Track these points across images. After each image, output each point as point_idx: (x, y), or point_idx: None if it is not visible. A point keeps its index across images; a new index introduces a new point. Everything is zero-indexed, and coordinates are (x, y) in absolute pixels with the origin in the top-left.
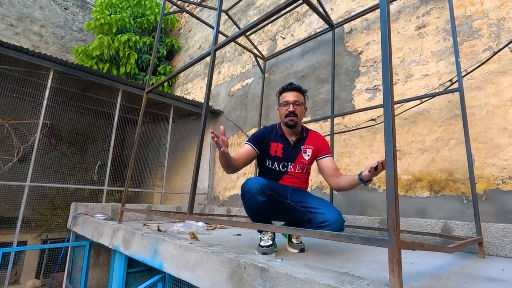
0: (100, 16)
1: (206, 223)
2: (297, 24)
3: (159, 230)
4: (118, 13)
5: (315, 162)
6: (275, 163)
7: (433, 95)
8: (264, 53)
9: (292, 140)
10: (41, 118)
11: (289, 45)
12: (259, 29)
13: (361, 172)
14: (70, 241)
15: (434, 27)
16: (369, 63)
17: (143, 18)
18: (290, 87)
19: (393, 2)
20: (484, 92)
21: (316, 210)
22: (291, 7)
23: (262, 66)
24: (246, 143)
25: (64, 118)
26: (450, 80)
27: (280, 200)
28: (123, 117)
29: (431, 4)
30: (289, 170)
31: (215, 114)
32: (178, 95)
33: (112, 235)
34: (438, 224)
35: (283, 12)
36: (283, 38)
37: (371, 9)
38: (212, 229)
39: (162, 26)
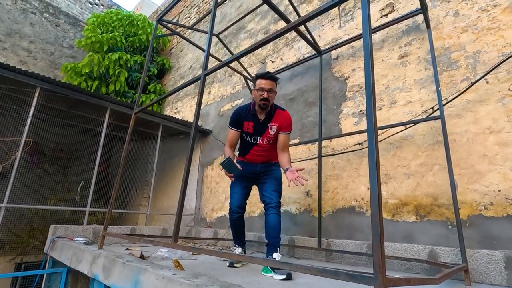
0: (92, 35)
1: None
2: (286, 49)
3: (142, 256)
4: (110, 32)
5: None
6: (248, 136)
7: (416, 122)
8: (254, 74)
9: (261, 119)
10: (24, 136)
11: (278, 68)
12: (251, 51)
13: (288, 169)
14: (47, 266)
15: (416, 56)
16: (355, 88)
17: (135, 37)
18: (266, 76)
19: (377, 32)
20: (464, 120)
21: (264, 192)
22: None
23: (252, 87)
24: (230, 128)
25: (48, 135)
26: (432, 108)
27: (252, 179)
28: (110, 134)
29: (412, 35)
30: (258, 142)
31: (204, 133)
32: (168, 113)
33: (91, 262)
34: (424, 249)
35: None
36: (273, 62)
37: (356, 37)
38: (197, 254)
39: (154, 45)
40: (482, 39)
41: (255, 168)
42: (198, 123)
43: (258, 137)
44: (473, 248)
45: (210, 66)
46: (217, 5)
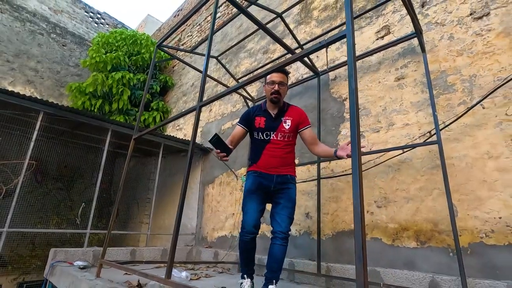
0: (96, 55)
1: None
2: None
3: (139, 285)
4: (114, 51)
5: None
6: (260, 133)
7: (413, 146)
8: (254, 94)
9: (274, 113)
10: (27, 159)
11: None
12: (250, 73)
13: (337, 150)
14: None
15: (412, 79)
16: None
17: (138, 56)
18: (277, 69)
19: (374, 54)
20: (463, 144)
21: (276, 216)
22: (283, 63)
23: (251, 106)
24: (237, 125)
25: (52, 153)
26: (429, 132)
27: (267, 194)
28: (112, 151)
29: (408, 58)
30: (271, 138)
31: (205, 151)
32: (170, 130)
33: None
34: (425, 278)
35: (273, 58)
36: None
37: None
38: (196, 279)
39: (157, 60)
40: (477, 63)
41: (270, 183)
42: (199, 141)
43: (272, 132)
44: (475, 277)
45: (209, 86)
46: (213, 33)
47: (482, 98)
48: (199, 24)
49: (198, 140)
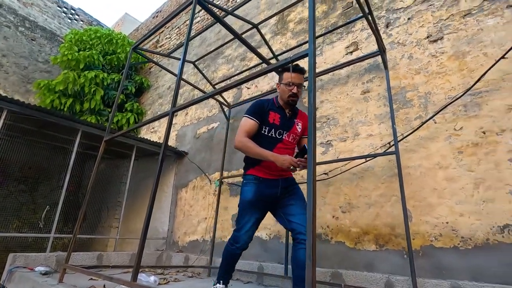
0: (68, 52)
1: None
2: (261, 77)
3: None
4: (87, 49)
5: None
6: (272, 130)
7: (374, 156)
8: (230, 100)
9: (288, 113)
10: None
11: (253, 95)
12: (227, 79)
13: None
14: None
15: (376, 93)
16: (323, 119)
17: (114, 55)
18: (296, 69)
19: (343, 68)
20: (418, 155)
21: (292, 217)
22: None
23: (227, 112)
24: (249, 118)
25: (15, 154)
26: (389, 143)
27: (270, 203)
28: (82, 153)
29: (373, 73)
30: (284, 138)
31: (180, 155)
32: (144, 132)
33: None
34: (382, 279)
35: (250, 66)
36: (248, 88)
37: (324, 72)
38: (165, 283)
39: (132, 61)
40: (432, 81)
41: (275, 190)
42: (174, 145)
43: (284, 132)
44: (425, 277)
45: (186, 90)
46: (189, 40)
47: (434, 114)
48: (178, 27)
49: (173, 143)
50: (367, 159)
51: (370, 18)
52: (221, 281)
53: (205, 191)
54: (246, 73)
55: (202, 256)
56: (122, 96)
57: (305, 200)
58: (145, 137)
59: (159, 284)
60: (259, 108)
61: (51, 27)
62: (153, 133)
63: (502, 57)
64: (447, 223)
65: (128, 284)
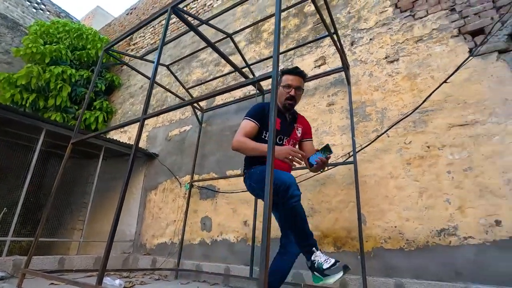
0: (33, 45)
1: (124, 279)
2: (234, 84)
3: None
4: (54, 43)
5: None
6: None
7: (335, 165)
8: (203, 104)
9: (288, 117)
10: None
11: (226, 101)
12: (202, 83)
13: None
14: None
15: (340, 106)
16: None
17: (83, 51)
18: (295, 71)
19: (311, 80)
20: (373, 165)
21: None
22: (230, 68)
23: (200, 116)
24: (249, 120)
25: None
26: (349, 153)
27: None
28: (46, 151)
29: (338, 87)
30: (284, 143)
31: (150, 157)
32: (114, 131)
33: None
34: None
35: (224, 72)
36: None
37: None
38: (130, 287)
39: (104, 61)
40: (388, 98)
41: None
42: (145, 146)
43: (285, 138)
44: (374, 276)
45: (159, 91)
46: (163, 45)
47: (387, 128)
48: (153, 26)
49: (143, 145)
50: (329, 167)
51: (335, 38)
52: (317, 249)
53: (175, 193)
54: (221, 79)
55: (169, 259)
56: (91, 94)
57: None
58: (114, 138)
59: (124, 287)
60: (260, 111)
61: (13, 15)
62: (123, 133)
63: (445, 81)
64: (395, 227)
65: (93, 287)
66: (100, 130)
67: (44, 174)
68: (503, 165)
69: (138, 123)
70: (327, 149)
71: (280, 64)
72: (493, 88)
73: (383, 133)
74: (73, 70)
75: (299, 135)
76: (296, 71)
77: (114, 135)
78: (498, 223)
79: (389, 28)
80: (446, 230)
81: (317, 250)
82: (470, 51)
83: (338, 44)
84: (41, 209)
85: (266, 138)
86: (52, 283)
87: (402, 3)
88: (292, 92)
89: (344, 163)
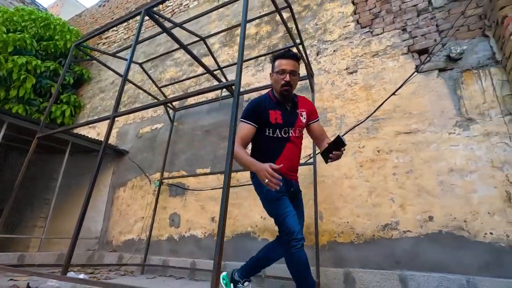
0: None
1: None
2: (207, 84)
3: None
4: (18, 31)
5: None
6: (277, 130)
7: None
8: (175, 103)
9: (288, 106)
10: None
11: (198, 101)
12: (175, 82)
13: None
14: None
15: None
16: None
17: (50, 42)
18: (288, 54)
19: None
20: (331, 167)
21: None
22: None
23: (171, 115)
24: (245, 123)
25: None
26: (309, 155)
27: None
28: (5, 144)
29: (304, 93)
30: (291, 135)
31: (120, 153)
32: (82, 127)
33: None
34: None
35: (198, 72)
36: None
37: (265, 87)
38: (97, 282)
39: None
40: (346, 106)
41: (290, 185)
42: (114, 143)
43: (290, 129)
44: (327, 267)
45: (131, 87)
46: (137, 44)
47: (344, 133)
48: (126, 21)
49: (113, 141)
50: None
51: (300, 48)
52: (246, 280)
53: (144, 190)
54: (194, 80)
55: (136, 255)
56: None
57: (302, 211)
58: (82, 133)
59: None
60: (255, 109)
61: None
62: (92, 128)
63: (393, 94)
64: (347, 222)
65: (58, 278)
66: (67, 125)
67: (2, 168)
68: (438, 169)
69: (108, 120)
70: (339, 142)
71: (251, 68)
72: (433, 101)
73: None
74: (39, 61)
75: (304, 120)
76: (288, 54)
77: (82, 130)
78: (431, 218)
79: (351, 42)
80: (389, 225)
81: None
82: (416, 67)
83: (303, 54)
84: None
85: (270, 134)
86: (11, 279)
87: (363, 20)
88: (287, 78)
89: (305, 163)
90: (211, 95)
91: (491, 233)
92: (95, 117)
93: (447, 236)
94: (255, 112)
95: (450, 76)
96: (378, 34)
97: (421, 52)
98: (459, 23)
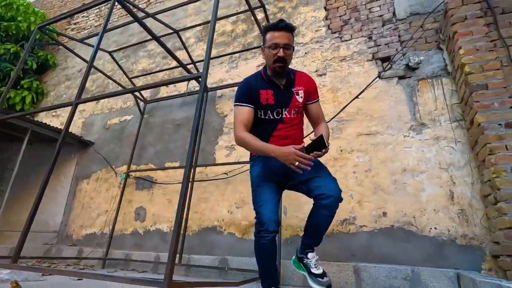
0: None
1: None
2: (167, 79)
3: None
4: None
5: None
6: (268, 111)
7: None
8: (147, 95)
9: (281, 84)
10: None
11: (171, 94)
12: (147, 74)
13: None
14: None
15: None
16: (230, 125)
17: (12, 23)
18: (280, 26)
19: None
20: None
21: (315, 183)
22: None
23: (142, 107)
24: (240, 106)
25: None
26: None
27: (281, 182)
28: None
29: None
30: (284, 116)
31: (85, 144)
32: (44, 114)
33: None
34: None
35: (171, 65)
36: (167, 86)
37: (236, 84)
38: (49, 274)
39: (37, 37)
40: None
41: (285, 166)
42: (79, 133)
43: (284, 109)
44: (289, 259)
45: (100, 76)
46: (104, 32)
47: (310, 133)
48: (98, 8)
49: (78, 131)
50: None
51: None
52: None
53: (110, 183)
54: (167, 72)
55: (98, 249)
56: (19, 72)
57: (324, 167)
58: (44, 121)
59: (43, 274)
60: (246, 90)
61: None
62: (55, 117)
63: (356, 97)
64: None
65: (7, 266)
66: (30, 112)
67: None
68: (392, 169)
69: (71, 107)
70: (320, 141)
71: (225, 65)
72: (391, 106)
73: (306, 136)
74: None
75: (301, 100)
76: (282, 25)
77: (45, 118)
78: (384, 214)
79: (321, 46)
80: (347, 220)
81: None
82: (379, 74)
83: None
84: None
85: (262, 116)
86: None
87: (333, 25)
88: (280, 53)
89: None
90: (184, 89)
91: (435, 228)
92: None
93: (398, 230)
94: (245, 93)
95: (408, 83)
96: (346, 40)
97: (384, 59)
98: (418, 35)
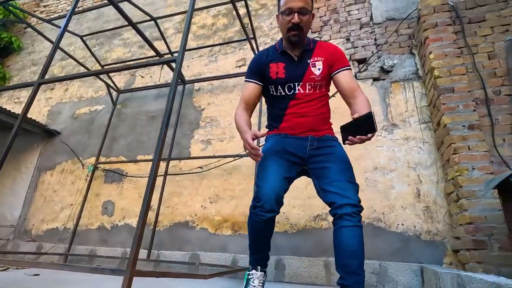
0: None
1: None
2: (157, 69)
3: None
4: None
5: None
6: (279, 87)
7: (240, 156)
8: (121, 85)
9: (295, 56)
10: None
11: (146, 85)
12: (122, 62)
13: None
14: None
15: None
16: (207, 119)
17: None
18: None
19: (232, 78)
20: None
21: (328, 185)
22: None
23: (114, 97)
24: (247, 81)
25: None
26: None
27: (298, 163)
28: None
29: None
30: (297, 92)
31: (50, 134)
32: (5, 101)
33: None
34: (230, 257)
35: (148, 55)
36: (142, 77)
37: (215, 78)
38: (2, 270)
39: (2, 17)
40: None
41: (304, 143)
42: (45, 121)
43: (297, 84)
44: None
45: (70, 63)
46: (73, 13)
47: None
48: None
49: (43, 119)
50: (235, 158)
51: (253, 43)
52: (251, 267)
53: (76, 175)
54: (144, 60)
55: (60, 245)
56: None
57: (345, 161)
58: (5, 107)
59: None
60: (255, 65)
61: None
62: (18, 104)
63: (332, 95)
64: (283, 213)
65: None
66: None
67: None
68: (365, 166)
69: (32, 87)
70: (369, 123)
71: (205, 58)
72: None
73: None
74: None
75: (318, 72)
76: None
77: (6, 104)
78: None
79: None
80: (320, 216)
81: (253, 270)
82: (355, 75)
83: (255, 49)
84: None
85: (274, 93)
86: None
87: (314, 25)
88: (295, 19)
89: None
90: (160, 80)
91: (402, 224)
92: (23, 92)
93: (368, 226)
94: (253, 68)
95: (382, 85)
96: (326, 41)
97: (360, 61)
98: (392, 39)
